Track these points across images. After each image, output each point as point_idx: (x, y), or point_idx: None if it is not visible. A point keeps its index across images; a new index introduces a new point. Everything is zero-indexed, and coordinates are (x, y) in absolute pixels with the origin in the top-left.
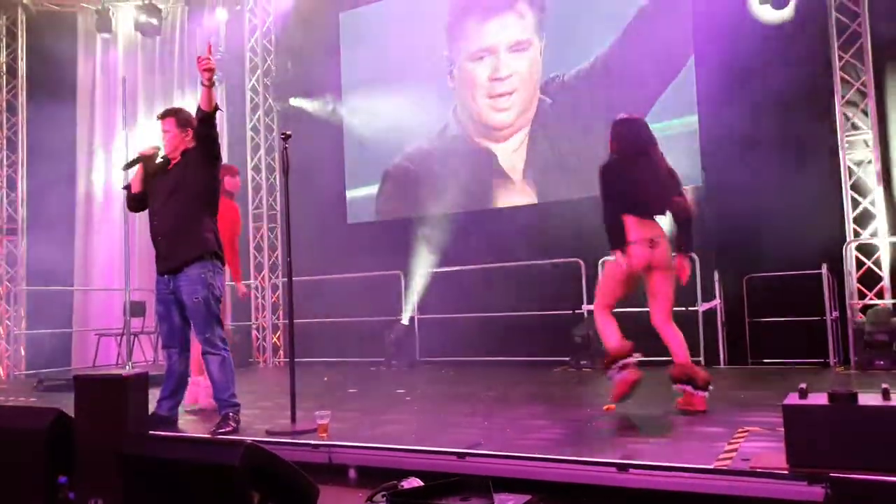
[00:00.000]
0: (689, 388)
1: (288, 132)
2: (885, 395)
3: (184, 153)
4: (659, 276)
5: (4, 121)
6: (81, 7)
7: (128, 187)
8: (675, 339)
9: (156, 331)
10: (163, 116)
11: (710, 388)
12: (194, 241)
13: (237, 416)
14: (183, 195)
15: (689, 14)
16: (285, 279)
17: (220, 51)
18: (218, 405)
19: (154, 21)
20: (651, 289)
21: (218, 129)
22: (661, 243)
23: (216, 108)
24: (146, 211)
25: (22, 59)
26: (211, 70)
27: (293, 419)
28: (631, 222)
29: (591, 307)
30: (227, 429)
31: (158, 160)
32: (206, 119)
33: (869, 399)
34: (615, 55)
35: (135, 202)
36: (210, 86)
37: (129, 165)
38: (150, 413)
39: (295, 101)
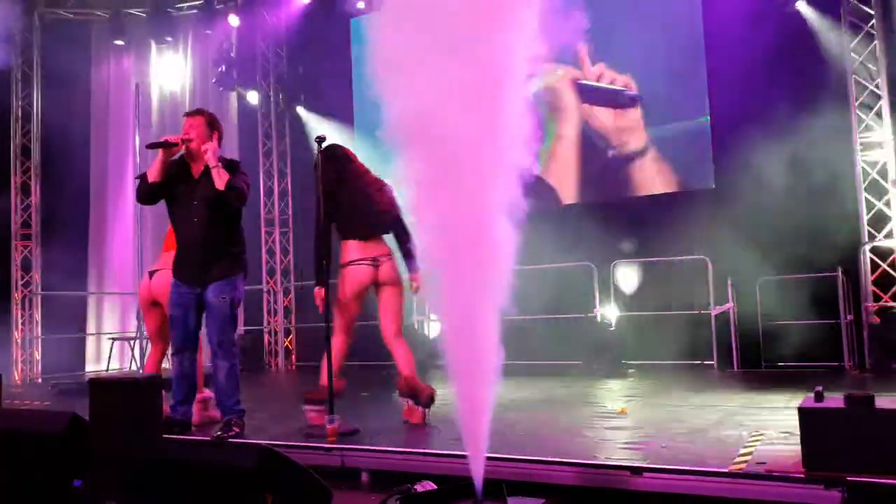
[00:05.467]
0: (410, 403)
1: (322, 136)
2: None
3: None
4: (388, 292)
5: (20, 128)
6: (95, 15)
7: (141, 177)
8: (401, 354)
9: None
10: (191, 114)
11: (433, 404)
12: (229, 260)
13: (241, 421)
14: (216, 206)
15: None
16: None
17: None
18: (221, 411)
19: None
20: (380, 304)
21: (244, 192)
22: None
23: (231, 186)
24: (154, 210)
25: (37, 67)
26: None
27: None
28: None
29: (603, 310)
30: (231, 433)
31: (180, 162)
32: (225, 197)
33: (886, 402)
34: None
35: (149, 193)
36: (215, 166)
37: (153, 146)
38: (164, 418)
39: (306, 107)
